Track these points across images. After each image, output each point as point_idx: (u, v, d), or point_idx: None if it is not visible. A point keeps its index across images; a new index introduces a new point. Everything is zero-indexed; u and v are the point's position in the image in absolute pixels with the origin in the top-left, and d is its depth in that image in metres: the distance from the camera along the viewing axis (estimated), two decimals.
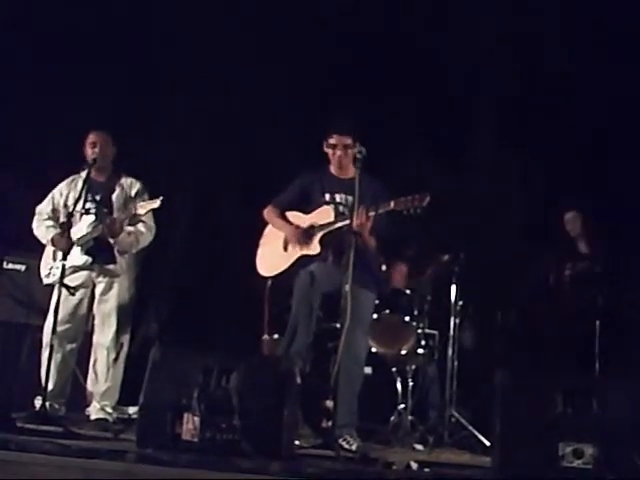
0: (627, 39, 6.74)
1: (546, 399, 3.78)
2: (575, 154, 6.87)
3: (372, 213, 4.75)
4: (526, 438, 3.72)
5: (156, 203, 5.11)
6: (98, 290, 5.49)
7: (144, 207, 5.16)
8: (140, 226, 5.46)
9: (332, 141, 5.11)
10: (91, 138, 5.56)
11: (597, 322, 5.91)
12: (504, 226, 7.03)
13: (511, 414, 3.80)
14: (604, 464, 3.62)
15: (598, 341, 5.86)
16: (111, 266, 5.47)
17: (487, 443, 5.05)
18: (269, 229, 5.27)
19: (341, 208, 5.06)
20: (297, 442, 4.56)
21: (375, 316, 5.67)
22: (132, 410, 5.41)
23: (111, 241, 5.37)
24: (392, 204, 4.72)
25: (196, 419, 3.87)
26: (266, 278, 5.39)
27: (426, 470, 3.78)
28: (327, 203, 5.10)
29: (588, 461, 3.65)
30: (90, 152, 5.52)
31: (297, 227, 5.07)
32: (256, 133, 7.25)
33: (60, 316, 5.07)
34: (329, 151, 5.15)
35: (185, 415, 3.90)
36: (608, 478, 3.56)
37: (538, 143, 6.97)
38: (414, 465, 3.84)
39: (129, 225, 5.39)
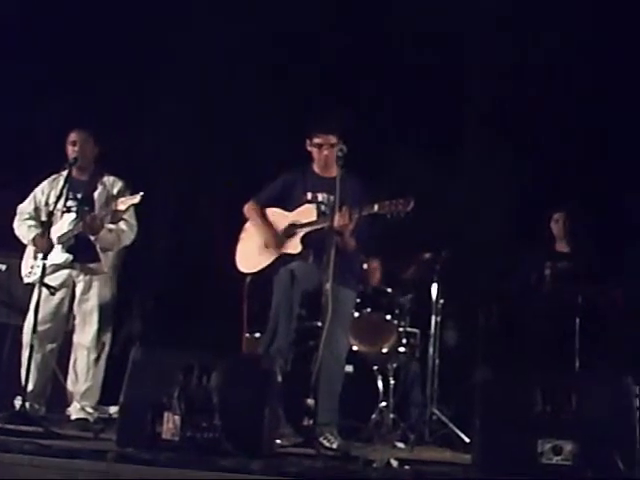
0: (617, 41, 6.78)
1: (526, 396, 3.80)
2: (559, 155, 6.90)
3: (355, 215, 4.76)
4: (506, 435, 3.74)
5: (136, 199, 5.11)
6: (79, 289, 5.47)
7: (124, 203, 5.16)
8: (122, 224, 5.44)
9: (317, 140, 5.12)
10: (72, 137, 5.55)
11: (577, 320, 5.93)
12: (486, 225, 7.04)
13: (491, 411, 3.82)
14: (583, 461, 3.65)
15: (578, 339, 5.88)
16: (92, 264, 5.45)
17: (467, 440, 5.07)
18: (249, 225, 5.26)
19: (323, 207, 5.07)
20: (278, 441, 4.55)
21: (356, 314, 5.70)
22: (113, 410, 5.38)
23: (92, 238, 5.35)
24: (376, 207, 4.72)
25: (176, 418, 3.86)
26: (245, 275, 5.38)
27: (406, 468, 3.78)
28: (309, 202, 5.10)
29: (567, 458, 3.67)
30: (71, 151, 5.52)
31: (274, 233, 5.06)
32: (239, 131, 7.24)
33: (40, 316, 5.06)
34: (314, 150, 5.15)
35: (165, 414, 3.89)
36: (587, 475, 3.58)
37: (522, 143, 6.99)
38: (394, 463, 3.83)
39: (111, 223, 5.38)
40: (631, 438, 3.70)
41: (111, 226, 5.40)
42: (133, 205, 5.19)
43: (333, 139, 5.06)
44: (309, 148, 5.19)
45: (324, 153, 5.09)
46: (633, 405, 3.81)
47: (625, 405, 3.78)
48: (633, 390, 3.85)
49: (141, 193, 5.12)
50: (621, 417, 3.74)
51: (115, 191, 5.55)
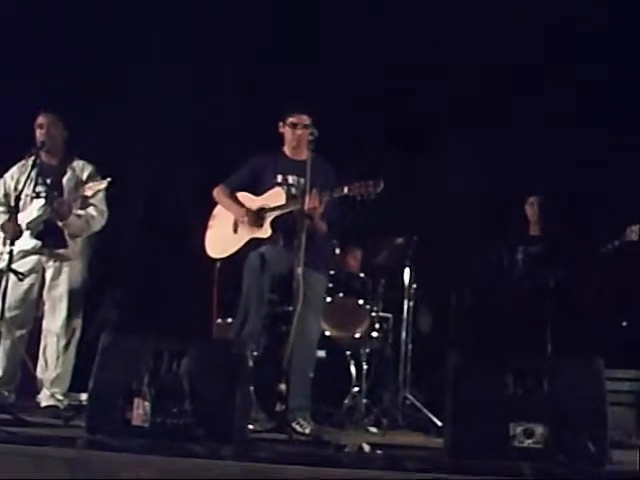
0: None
1: (497, 380, 3.80)
2: (532, 139, 6.92)
3: (325, 198, 4.74)
4: (477, 419, 3.74)
5: (103, 184, 5.05)
6: (48, 275, 5.41)
7: (92, 188, 5.09)
8: (91, 210, 5.38)
9: (292, 120, 5.10)
10: (39, 120, 5.46)
11: (549, 303, 5.95)
12: (458, 209, 7.05)
13: (462, 395, 3.81)
14: (554, 443, 3.66)
15: (550, 322, 5.90)
16: (61, 250, 5.38)
17: (440, 424, 5.08)
18: (218, 210, 5.23)
19: (293, 190, 5.05)
20: (251, 426, 4.55)
21: (329, 299, 5.69)
22: (84, 396, 5.32)
23: (60, 224, 5.29)
24: (346, 189, 4.72)
25: (146, 404, 3.83)
26: (215, 260, 5.35)
27: (378, 452, 3.78)
28: (279, 184, 5.08)
29: (538, 440, 3.68)
30: (39, 134, 5.44)
31: (247, 209, 5.03)
32: (210, 114, 7.20)
33: (9, 302, 4.97)
34: (287, 130, 5.13)
35: (135, 400, 3.86)
36: (558, 457, 3.59)
37: (495, 127, 7.00)
38: (366, 447, 3.84)
39: (80, 209, 5.32)
40: (602, 420, 3.71)
41: (80, 212, 5.33)
42: (101, 191, 5.13)
43: (307, 119, 5.05)
44: (281, 130, 5.17)
45: (298, 133, 5.07)
46: (604, 388, 3.82)
47: (596, 388, 3.79)
48: (604, 373, 3.86)
49: (108, 179, 5.07)
50: (592, 400, 3.75)
51: (84, 176, 5.48)
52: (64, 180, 5.43)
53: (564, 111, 6.88)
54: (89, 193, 5.11)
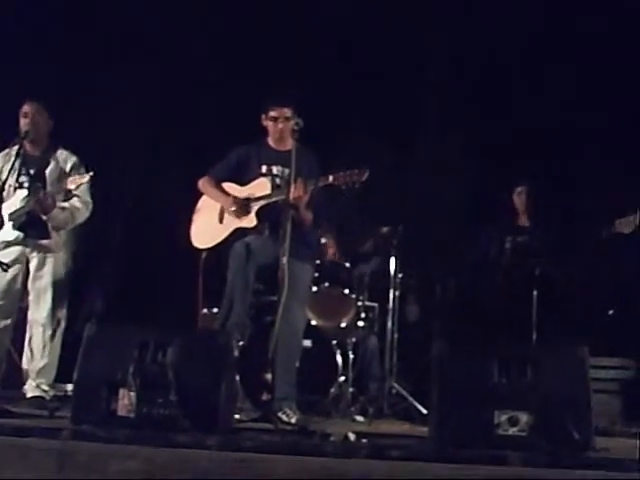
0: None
1: (482, 368, 3.82)
2: (519, 129, 6.93)
3: (311, 187, 4.74)
4: (462, 407, 3.75)
5: (86, 177, 5.03)
6: (32, 266, 5.37)
7: (74, 182, 5.06)
8: (75, 201, 5.34)
9: (273, 113, 5.09)
10: (24, 109, 5.41)
11: (535, 293, 5.97)
12: (445, 199, 7.07)
13: (448, 383, 3.84)
14: (538, 431, 3.68)
15: (535, 311, 5.92)
16: (45, 241, 5.35)
17: (425, 413, 5.09)
18: (203, 201, 5.22)
19: (278, 180, 5.04)
20: (237, 416, 4.56)
21: (315, 289, 5.69)
22: (70, 387, 5.32)
23: (44, 218, 5.26)
24: (331, 178, 4.72)
25: (132, 394, 3.83)
26: (201, 250, 5.34)
27: (364, 441, 3.79)
28: (264, 175, 5.07)
29: (523, 429, 3.70)
30: (23, 123, 5.39)
31: (234, 197, 5.02)
32: (196, 106, 7.18)
33: None
34: (269, 123, 5.12)
35: (121, 391, 3.86)
36: (542, 445, 3.61)
37: (484, 117, 7.01)
38: (352, 436, 3.85)
39: (64, 201, 5.28)
40: (586, 409, 3.74)
41: (64, 204, 5.29)
42: (84, 183, 5.11)
43: (288, 112, 5.03)
44: (264, 122, 5.17)
45: (279, 126, 5.06)
46: (588, 376, 3.84)
47: (580, 376, 3.81)
48: (588, 361, 3.88)
49: (91, 173, 5.06)
50: (576, 388, 3.77)
51: (68, 167, 5.44)
52: (47, 171, 5.39)
53: (553, 101, 6.88)
54: (72, 186, 5.07)
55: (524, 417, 3.70)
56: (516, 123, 6.96)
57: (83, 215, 5.41)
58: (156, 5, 7.15)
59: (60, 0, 7.12)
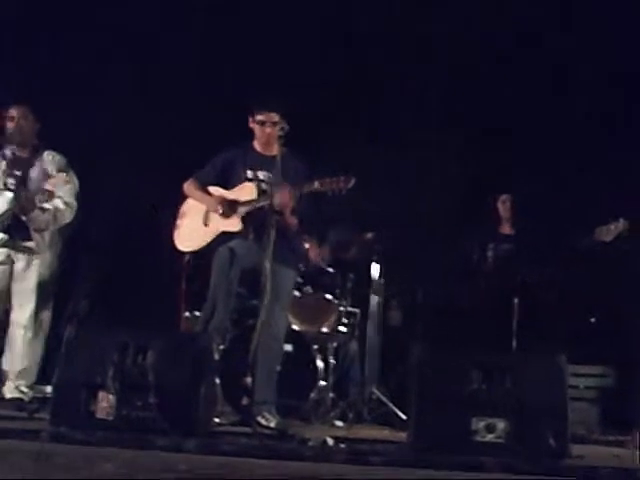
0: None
1: (461, 375, 3.85)
2: (506, 136, 6.97)
3: (296, 193, 4.75)
4: (441, 413, 3.78)
5: (64, 177, 5.03)
6: (17, 267, 5.36)
7: (55, 182, 5.08)
8: (58, 202, 5.33)
9: (260, 117, 5.08)
10: (10, 112, 5.42)
11: (515, 300, 6.00)
12: (429, 206, 7.09)
13: (427, 389, 3.86)
14: (515, 438, 3.71)
15: (516, 319, 5.95)
16: (29, 243, 5.34)
17: (404, 418, 5.11)
18: (188, 204, 5.21)
19: (263, 186, 5.03)
20: (217, 420, 4.56)
21: (297, 294, 5.69)
22: (50, 389, 5.32)
23: (23, 218, 5.25)
24: (317, 184, 4.72)
25: (111, 397, 3.84)
26: (185, 254, 5.34)
27: (342, 446, 3.81)
28: (249, 180, 5.06)
29: (500, 435, 3.73)
30: (8, 126, 5.40)
31: (221, 198, 5.02)
32: (181, 108, 7.17)
33: None
34: (256, 127, 5.12)
35: (100, 393, 3.86)
36: (519, 452, 3.64)
37: (469, 124, 7.04)
38: (330, 441, 3.86)
39: (46, 202, 5.28)
40: (563, 416, 3.77)
41: (46, 205, 5.28)
42: (64, 184, 5.11)
43: (276, 117, 5.02)
44: (251, 125, 5.16)
45: (266, 131, 5.06)
46: (565, 384, 3.88)
47: (557, 384, 3.85)
48: (566, 369, 3.92)
49: (70, 172, 5.07)
50: (553, 396, 3.80)
51: (53, 168, 5.43)
52: (32, 172, 5.39)
53: (538, 109, 6.92)
54: (51, 187, 5.08)
55: (501, 424, 3.74)
56: (502, 132, 6.99)
57: (66, 216, 5.40)
58: (140, 3, 7.15)
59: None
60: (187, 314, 6.07)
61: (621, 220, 5.14)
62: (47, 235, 5.40)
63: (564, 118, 6.82)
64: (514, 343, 5.86)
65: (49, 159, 5.46)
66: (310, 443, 3.82)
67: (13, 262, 5.37)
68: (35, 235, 5.31)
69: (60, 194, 5.29)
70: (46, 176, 5.35)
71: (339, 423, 5.37)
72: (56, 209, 5.33)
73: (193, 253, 5.21)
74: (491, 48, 7.05)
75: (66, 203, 5.37)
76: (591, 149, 6.66)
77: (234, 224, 4.96)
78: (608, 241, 5.24)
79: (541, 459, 3.57)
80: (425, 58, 7.26)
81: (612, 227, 5.16)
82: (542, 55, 6.96)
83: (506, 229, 6.50)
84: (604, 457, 4.17)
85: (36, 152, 5.47)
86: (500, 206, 6.49)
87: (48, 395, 5.27)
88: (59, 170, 5.41)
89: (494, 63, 7.07)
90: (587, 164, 6.69)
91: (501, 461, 3.50)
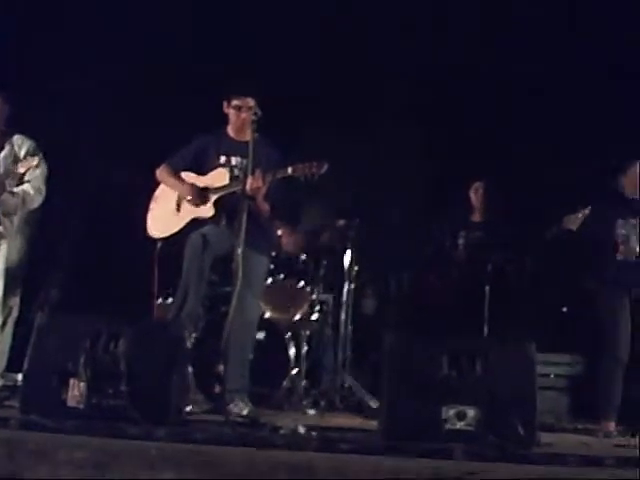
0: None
1: (432, 363, 3.87)
2: (478, 124, 6.98)
3: (269, 178, 4.74)
4: (411, 401, 3.80)
5: (34, 161, 4.99)
6: None
7: (23, 166, 5.04)
8: (27, 187, 5.27)
9: (237, 102, 5.06)
10: None
11: (487, 288, 6.04)
12: (402, 193, 7.10)
13: (397, 377, 3.87)
14: (485, 426, 3.74)
15: (487, 306, 5.99)
16: None
17: (375, 406, 5.13)
18: (161, 190, 5.19)
19: (236, 171, 5.02)
20: (189, 408, 4.56)
21: (269, 281, 5.69)
22: (20, 377, 5.27)
23: None
24: (290, 170, 4.72)
25: (82, 385, 3.82)
26: (157, 240, 5.31)
27: (313, 434, 3.82)
28: (222, 165, 5.04)
29: (470, 423, 3.76)
30: None
31: (192, 185, 5.00)
32: (155, 93, 7.13)
33: None
34: (231, 112, 5.10)
35: (71, 381, 3.84)
36: (488, 439, 3.67)
37: (442, 111, 7.05)
38: (302, 429, 3.87)
39: (16, 186, 5.23)
40: (531, 404, 3.80)
41: (15, 189, 5.24)
42: (33, 167, 5.07)
43: (251, 102, 5.01)
44: (226, 110, 5.14)
45: (242, 116, 5.04)
46: (534, 372, 3.91)
47: (526, 372, 3.88)
48: (535, 357, 3.95)
49: (40, 155, 5.04)
50: (522, 384, 3.84)
51: (23, 152, 5.37)
52: (1, 156, 5.34)
53: (510, 98, 6.95)
54: (22, 170, 5.04)
55: (471, 412, 3.76)
56: (476, 118, 7.01)
57: (35, 201, 5.34)
58: None
59: None
60: (160, 301, 6.04)
61: (589, 208, 5.17)
62: (16, 219, 5.35)
63: (536, 105, 6.85)
64: (485, 331, 5.90)
65: (19, 143, 5.40)
66: (282, 431, 3.83)
67: None
68: (3, 219, 5.25)
69: (29, 178, 5.25)
70: (16, 160, 5.29)
71: (311, 411, 5.37)
72: (25, 193, 5.28)
73: (165, 239, 5.18)
74: (469, 36, 7.06)
75: (35, 187, 5.32)
76: (566, 136, 6.69)
77: (206, 210, 4.94)
78: (575, 229, 5.26)
79: (510, 447, 3.59)
80: (392, 45, 7.25)
81: (579, 215, 5.19)
82: (512, 41, 6.98)
83: (477, 217, 6.52)
84: (573, 445, 4.22)
85: (5, 136, 5.42)
86: (472, 194, 6.51)
87: (18, 383, 5.25)
88: (29, 154, 5.35)
89: (470, 50, 7.08)
90: (561, 151, 6.72)
91: (471, 448, 3.52)
